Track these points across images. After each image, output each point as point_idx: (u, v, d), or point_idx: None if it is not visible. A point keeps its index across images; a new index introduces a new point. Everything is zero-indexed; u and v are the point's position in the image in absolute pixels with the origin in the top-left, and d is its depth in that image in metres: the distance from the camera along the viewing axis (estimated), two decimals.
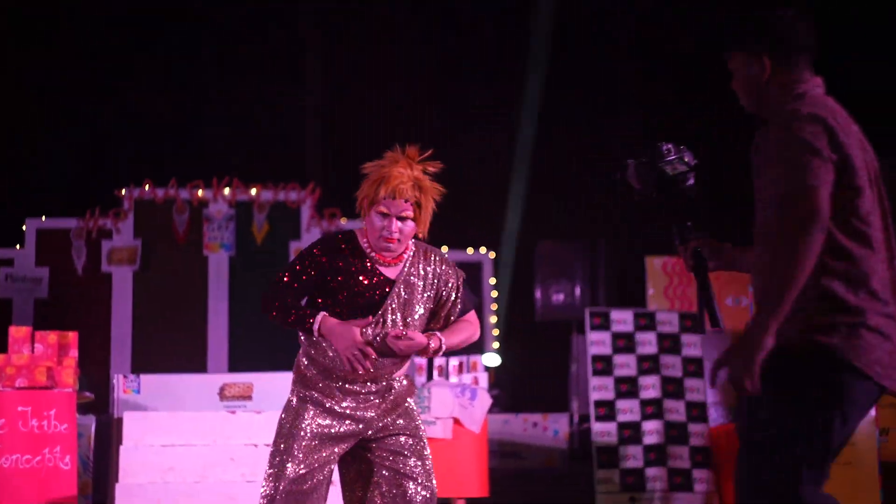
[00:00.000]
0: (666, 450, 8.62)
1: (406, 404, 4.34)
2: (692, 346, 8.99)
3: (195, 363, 10.72)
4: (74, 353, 7.14)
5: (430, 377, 7.86)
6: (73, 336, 7.22)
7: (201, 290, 11.06)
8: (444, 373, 7.82)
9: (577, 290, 9.84)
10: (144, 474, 6.88)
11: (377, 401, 4.26)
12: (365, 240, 4.26)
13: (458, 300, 4.35)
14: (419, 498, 4.22)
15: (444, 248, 11.46)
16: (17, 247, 10.98)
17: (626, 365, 8.81)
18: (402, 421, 4.29)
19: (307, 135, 12.54)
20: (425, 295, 4.30)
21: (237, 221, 11.24)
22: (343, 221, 11.20)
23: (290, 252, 11.09)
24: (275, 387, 8.03)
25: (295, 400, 4.30)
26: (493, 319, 11.39)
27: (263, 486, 4.27)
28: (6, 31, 11.40)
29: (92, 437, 8.44)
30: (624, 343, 8.88)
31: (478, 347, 10.67)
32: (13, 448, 6.73)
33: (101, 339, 10.84)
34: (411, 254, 4.32)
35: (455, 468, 7.22)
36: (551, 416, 9.50)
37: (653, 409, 8.73)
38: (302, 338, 4.36)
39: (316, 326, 4.13)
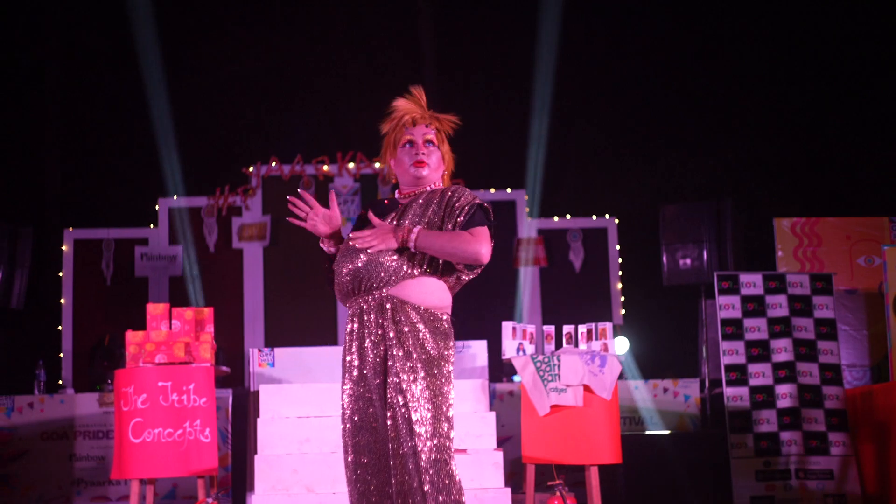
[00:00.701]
0: (800, 413, 8.52)
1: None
2: (824, 307, 8.86)
3: (325, 336, 10.88)
4: (210, 328, 7.30)
5: (559, 345, 7.86)
6: (208, 312, 7.38)
7: None
8: (574, 340, 7.81)
9: (705, 254, 9.74)
10: (282, 445, 7.02)
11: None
12: (398, 193, 4.38)
13: (463, 213, 4.22)
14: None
15: (568, 216, 11.44)
16: (151, 226, 11.25)
17: (756, 328, 8.72)
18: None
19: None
20: (427, 213, 4.25)
21: (362, 194, 11.36)
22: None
23: None
24: None
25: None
26: (619, 286, 11.34)
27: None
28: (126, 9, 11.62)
29: (229, 410, 8.65)
30: (754, 306, 8.78)
31: (604, 315, 10.66)
32: (155, 422, 6.91)
33: (233, 314, 11.06)
34: (429, 188, 4.37)
35: (587, 435, 7.22)
36: (682, 381, 9.44)
37: (785, 372, 8.63)
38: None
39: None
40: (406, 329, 4.14)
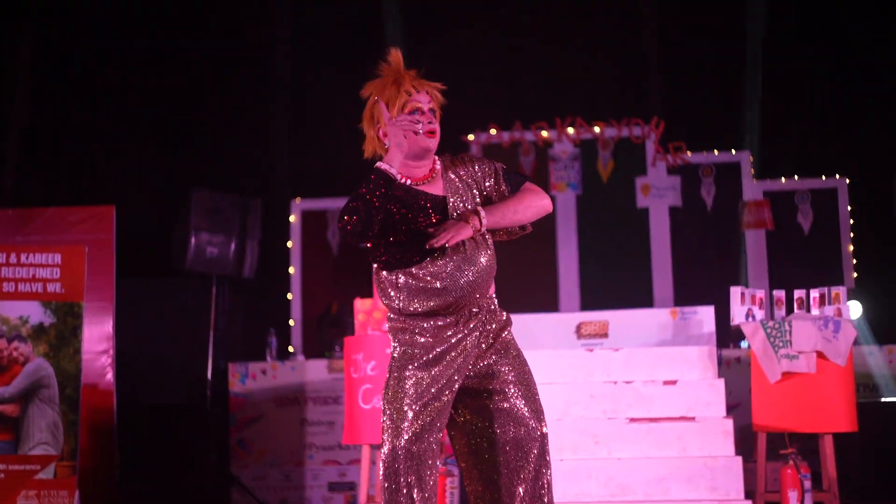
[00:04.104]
0: None
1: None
2: None
3: (548, 303, 10.86)
4: None
5: (789, 310, 7.63)
6: None
7: (550, 231, 11.17)
8: (805, 305, 7.58)
9: None
10: None
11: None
12: (393, 170, 3.94)
13: (504, 181, 4.10)
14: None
15: (795, 178, 11.09)
16: None
17: None
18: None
19: (649, 70, 12.39)
20: (472, 195, 4.09)
21: (582, 160, 11.28)
22: (688, 154, 11.03)
23: (636, 188, 11.03)
24: (630, 324, 8.07)
25: None
26: (851, 248, 10.95)
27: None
28: None
29: None
30: None
31: (835, 279, 10.31)
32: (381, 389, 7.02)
33: None
34: (440, 166, 4.13)
35: (821, 403, 7.02)
36: None
37: None
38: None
39: None
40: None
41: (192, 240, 9.29)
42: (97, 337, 8.34)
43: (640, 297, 10.58)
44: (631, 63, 12.28)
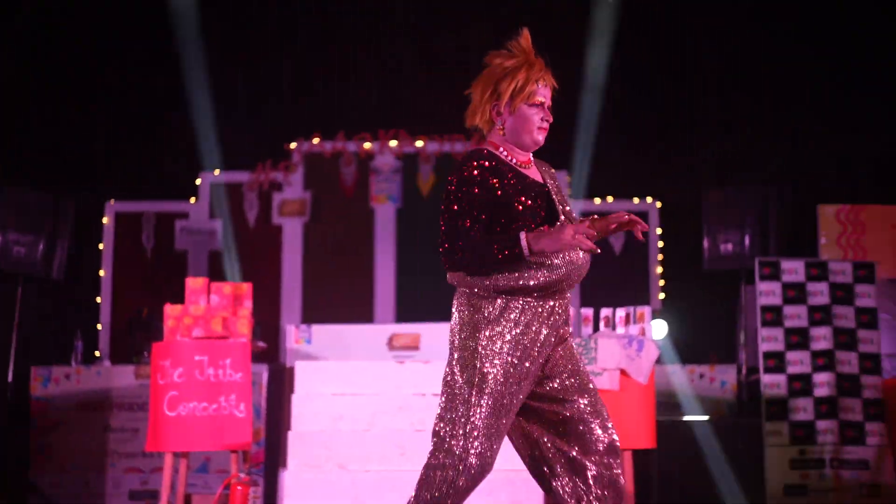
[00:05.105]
0: (838, 402, 8.44)
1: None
2: (866, 296, 8.76)
3: (362, 314, 10.89)
4: (249, 303, 7.32)
5: (595, 328, 7.82)
6: (247, 287, 7.40)
7: (368, 242, 11.21)
8: (611, 324, 7.77)
9: (747, 239, 9.65)
10: (315, 422, 7.04)
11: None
12: (502, 150, 4.07)
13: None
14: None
15: (609, 199, 11.37)
16: (192, 200, 11.28)
17: (796, 316, 8.64)
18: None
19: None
20: (557, 188, 4.18)
21: (403, 173, 11.34)
22: None
23: None
24: (442, 337, 8.13)
25: None
26: (659, 270, 11.27)
27: None
28: None
29: (264, 386, 8.68)
30: (795, 293, 8.70)
31: (642, 298, 10.59)
32: (191, 396, 6.94)
33: (271, 289, 11.09)
34: (532, 159, 4.19)
35: (622, 420, 7.19)
36: (718, 367, 9.37)
37: (824, 360, 8.54)
38: None
39: (524, 244, 3.82)
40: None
41: None
42: None
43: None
44: (456, 79, 12.38)
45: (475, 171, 3.95)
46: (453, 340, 3.99)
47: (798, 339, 8.62)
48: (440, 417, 3.98)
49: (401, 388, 7.25)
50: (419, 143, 11.29)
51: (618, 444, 4.05)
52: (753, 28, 11.48)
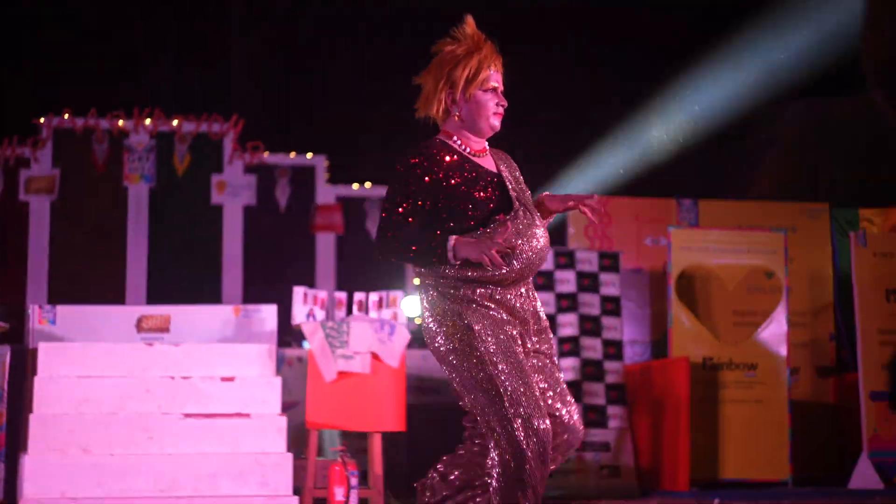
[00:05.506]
0: (581, 386, 8.73)
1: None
2: (611, 284, 9.09)
3: (114, 295, 10.62)
4: None
5: (349, 311, 7.86)
6: None
7: (120, 222, 10.93)
8: (365, 308, 7.82)
9: None
10: (59, 405, 6.83)
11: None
12: (455, 139, 4.10)
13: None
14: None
15: (367, 185, 11.44)
16: None
17: (545, 303, 8.89)
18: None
19: (232, 66, 12.38)
20: (515, 177, 4.20)
21: (158, 153, 11.11)
22: (266, 155, 11.11)
23: (211, 185, 10.99)
24: (193, 319, 8.02)
25: None
26: None
27: None
28: None
29: (7, 368, 8.36)
30: (543, 281, 8.95)
31: (399, 284, 10.70)
32: None
33: (17, 268, 10.70)
34: (487, 147, 4.22)
35: (373, 403, 7.26)
36: None
37: (570, 346, 8.83)
38: None
39: (451, 251, 3.86)
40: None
41: None
42: None
43: (210, 294, 10.56)
44: (216, 60, 12.23)
45: (420, 159, 3.98)
46: (434, 337, 4.02)
47: (591, 325, 8.89)
48: (481, 414, 3.93)
49: (149, 371, 7.11)
50: (175, 123, 11.08)
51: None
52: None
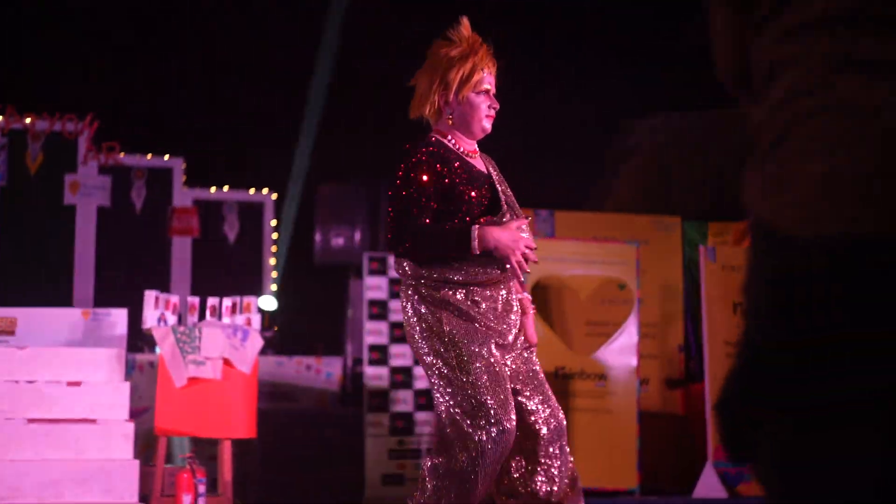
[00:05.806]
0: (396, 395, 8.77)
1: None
2: None
3: None
4: None
5: (202, 317, 7.77)
6: None
7: None
8: (218, 313, 7.73)
9: (357, 234, 9.86)
10: None
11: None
12: (449, 138, 4.15)
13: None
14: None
15: (225, 188, 11.33)
16: None
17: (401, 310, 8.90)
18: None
19: (89, 64, 12.16)
20: (501, 178, 4.29)
21: (10, 150, 10.84)
22: (122, 156, 10.93)
23: (64, 185, 10.77)
24: (41, 322, 7.85)
25: None
26: (273, 261, 11.34)
27: None
28: None
29: None
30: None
31: (255, 289, 10.63)
32: None
33: None
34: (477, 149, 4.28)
35: (223, 409, 7.19)
36: (325, 359, 9.55)
37: (377, 355, 8.84)
38: None
39: (475, 241, 3.91)
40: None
41: None
42: None
43: (61, 297, 10.35)
44: (73, 57, 12.01)
45: (423, 157, 4.01)
46: (413, 334, 4.03)
47: (401, 332, 8.89)
48: (448, 409, 3.94)
49: None
50: (27, 120, 10.82)
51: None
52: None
